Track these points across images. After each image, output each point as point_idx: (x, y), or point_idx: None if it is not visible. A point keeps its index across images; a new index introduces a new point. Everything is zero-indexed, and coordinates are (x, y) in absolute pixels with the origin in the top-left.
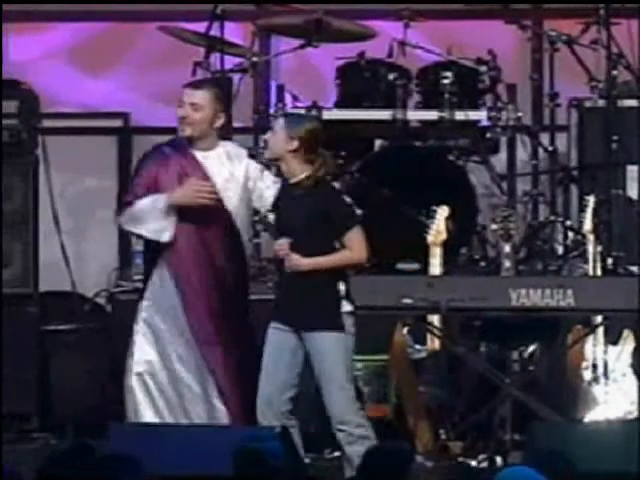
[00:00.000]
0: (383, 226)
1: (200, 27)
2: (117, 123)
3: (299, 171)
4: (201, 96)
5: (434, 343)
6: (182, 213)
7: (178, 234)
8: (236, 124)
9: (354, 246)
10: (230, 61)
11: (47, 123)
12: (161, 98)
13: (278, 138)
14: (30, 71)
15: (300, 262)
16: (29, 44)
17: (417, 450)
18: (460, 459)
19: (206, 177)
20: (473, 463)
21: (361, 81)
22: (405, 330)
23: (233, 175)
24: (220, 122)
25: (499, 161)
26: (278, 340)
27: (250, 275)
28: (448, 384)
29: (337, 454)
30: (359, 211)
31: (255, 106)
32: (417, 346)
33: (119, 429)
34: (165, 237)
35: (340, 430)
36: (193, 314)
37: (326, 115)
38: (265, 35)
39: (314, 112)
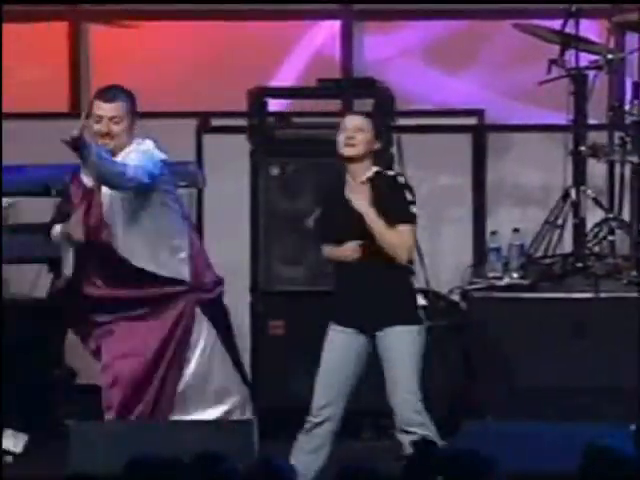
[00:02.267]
0: None
1: (555, 24)
2: (472, 121)
3: (368, 169)
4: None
5: None
6: None
7: None
8: (591, 121)
9: (400, 240)
10: (585, 58)
11: (402, 121)
12: (516, 96)
13: (367, 137)
14: (387, 69)
15: (364, 203)
16: (385, 43)
17: None
18: None
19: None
20: None
21: None
22: None
23: None
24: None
25: None
26: (344, 345)
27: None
28: None
29: None
30: (416, 210)
31: (610, 103)
32: None
33: (471, 427)
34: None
35: (405, 432)
36: None
37: None
38: (620, 32)
39: None
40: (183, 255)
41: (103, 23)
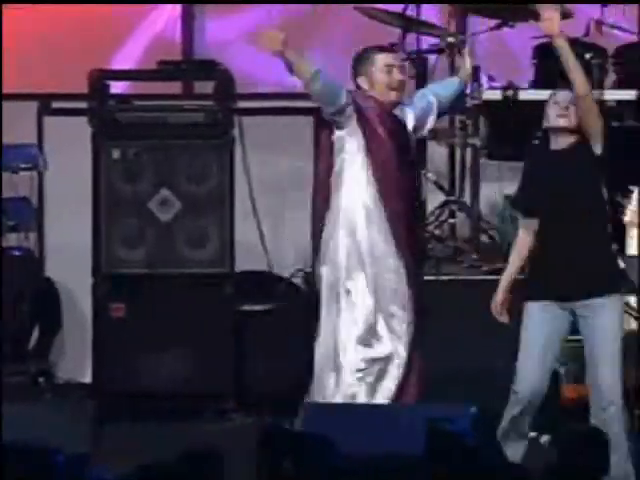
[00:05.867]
0: None
1: (396, 8)
2: (313, 103)
3: (577, 140)
4: None
5: (630, 324)
6: None
7: None
8: None
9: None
10: (426, 41)
11: (243, 104)
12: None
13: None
14: (227, 52)
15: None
16: (225, 26)
17: None
18: None
19: None
20: None
21: (557, 61)
22: None
23: None
24: None
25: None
26: (549, 320)
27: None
28: None
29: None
30: None
31: None
32: None
33: (313, 409)
34: None
35: (605, 410)
36: None
37: (522, 95)
38: (461, 15)
39: (510, 93)
40: None
41: None
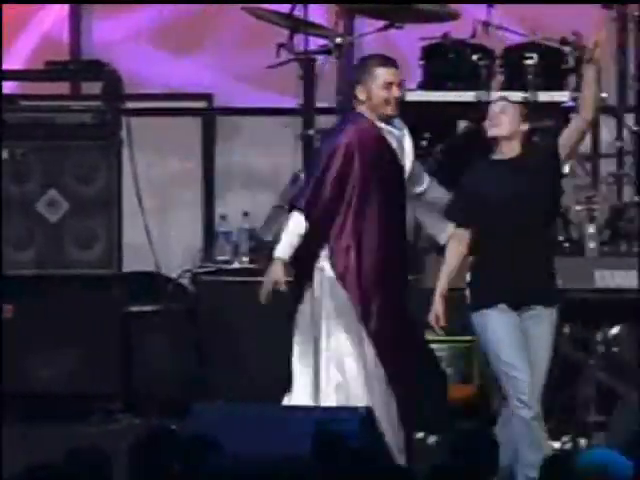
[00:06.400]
0: None
1: (284, 8)
2: (201, 104)
3: (520, 149)
4: None
5: None
6: None
7: None
8: (320, 105)
9: (569, 128)
10: (314, 42)
11: (131, 105)
12: (245, 79)
13: (512, 118)
14: (115, 53)
15: None
16: (113, 26)
17: None
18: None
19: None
20: (557, 444)
21: (445, 62)
22: None
23: None
24: None
25: (583, 142)
26: (511, 321)
27: None
28: None
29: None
30: None
31: (339, 87)
32: None
33: (201, 410)
34: None
35: (532, 409)
36: None
37: (410, 96)
38: (349, 16)
39: None
40: None
41: None
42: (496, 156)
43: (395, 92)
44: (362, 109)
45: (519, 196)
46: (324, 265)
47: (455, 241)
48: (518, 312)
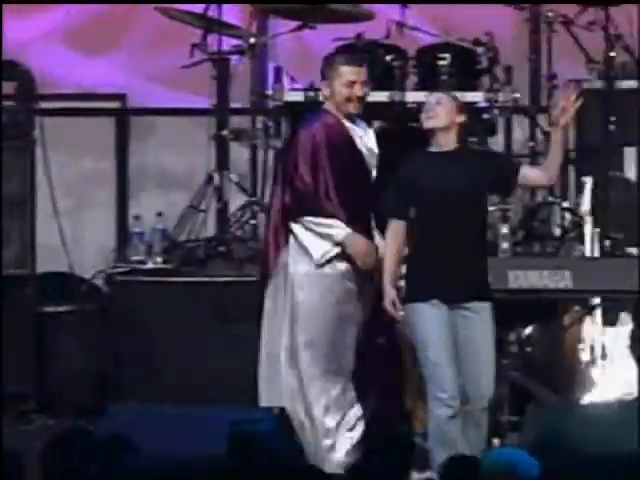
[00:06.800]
0: None
1: (198, 8)
2: (115, 104)
3: (456, 141)
4: None
5: None
6: None
7: None
8: (234, 105)
9: (535, 172)
10: (228, 42)
11: (44, 105)
12: (159, 79)
13: (448, 109)
14: (27, 53)
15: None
16: (26, 26)
17: (416, 431)
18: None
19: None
20: None
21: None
22: None
23: None
24: None
25: (496, 142)
26: (441, 318)
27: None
28: None
29: None
30: None
31: (253, 87)
32: None
33: (116, 410)
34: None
35: (484, 410)
36: None
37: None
38: (263, 17)
39: (311, 94)
40: None
41: None
42: (432, 148)
43: (357, 91)
44: (327, 106)
45: (454, 188)
46: (288, 261)
47: (392, 233)
48: (451, 306)
